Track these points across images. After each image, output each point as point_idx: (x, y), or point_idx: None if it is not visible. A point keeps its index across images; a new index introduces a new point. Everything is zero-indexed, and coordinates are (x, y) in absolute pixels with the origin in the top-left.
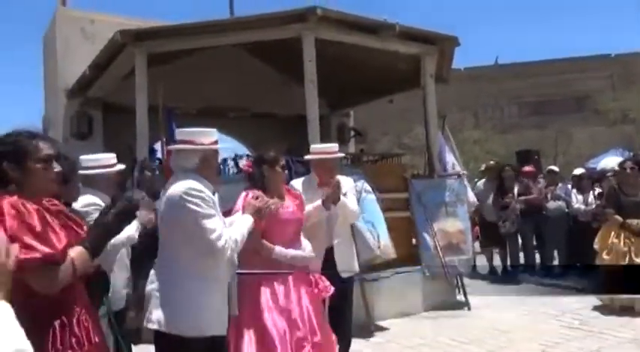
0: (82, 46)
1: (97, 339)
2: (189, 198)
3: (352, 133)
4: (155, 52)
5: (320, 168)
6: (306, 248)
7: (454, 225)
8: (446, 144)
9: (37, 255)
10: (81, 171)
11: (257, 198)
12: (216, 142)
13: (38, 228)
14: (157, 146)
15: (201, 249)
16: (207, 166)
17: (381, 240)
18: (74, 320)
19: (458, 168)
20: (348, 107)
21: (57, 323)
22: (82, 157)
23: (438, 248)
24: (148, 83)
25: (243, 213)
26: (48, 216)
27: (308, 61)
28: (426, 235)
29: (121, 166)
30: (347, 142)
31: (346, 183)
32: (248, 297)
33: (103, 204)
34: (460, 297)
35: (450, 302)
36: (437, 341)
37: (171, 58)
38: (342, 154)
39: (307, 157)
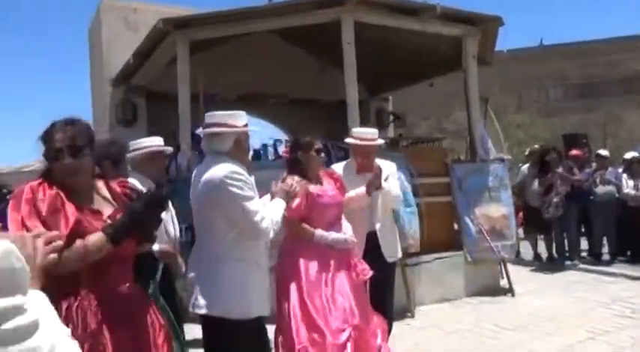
0: (125, 35)
1: (92, 326)
2: (231, 182)
3: (391, 118)
4: (196, 40)
5: (358, 153)
6: (347, 231)
7: (497, 210)
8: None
9: None
10: (127, 155)
11: (283, 180)
12: (247, 125)
13: (44, 213)
14: (200, 131)
15: (244, 232)
16: (240, 149)
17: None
18: (74, 305)
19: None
20: (386, 91)
21: (65, 304)
22: (131, 142)
23: (484, 231)
24: (189, 70)
25: (273, 197)
26: (65, 202)
27: (347, 43)
28: (468, 220)
29: (152, 146)
30: (386, 127)
31: (388, 167)
32: (290, 279)
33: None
34: (504, 283)
35: (492, 288)
36: (480, 326)
37: (212, 45)
38: (382, 141)
39: (347, 140)
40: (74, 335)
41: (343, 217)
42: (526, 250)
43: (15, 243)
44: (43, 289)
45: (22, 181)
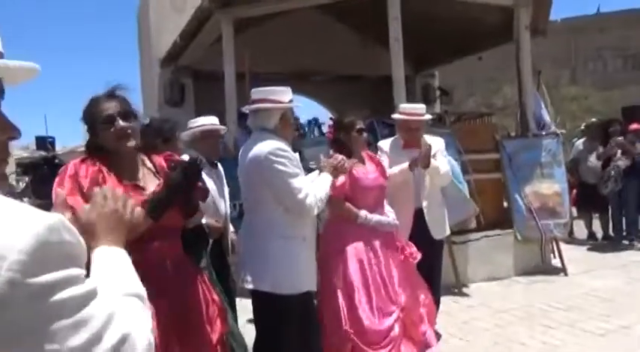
0: (172, 16)
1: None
2: (275, 158)
3: (438, 93)
4: (240, 18)
5: (405, 129)
6: (390, 214)
7: (550, 187)
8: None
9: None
10: (183, 133)
11: (331, 156)
12: (292, 101)
13: (86, 189)
14: (245, 108)
15: (289, 208)
16: (286, 124)
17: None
18: None
19: (553, 128)
20: (432, 67)
21: None
22: (189, 121)
23: (532, 210)
24: (235, 49)
25: (320, 172)
26: (106, 177)
27: (393, 18)
28: (518, 197)
29: (207, 125)
30: (432, 103)
31: (436, 143)
32: (335, 261)
33: None
34: (556, 262)
35: (543, 267)
36: (530, 306)
37: (257, 24)
38: (429, 116)
39: (394, 116)
40: None
41: (385, 202)
42: (580, 229)
43: (106, 194)
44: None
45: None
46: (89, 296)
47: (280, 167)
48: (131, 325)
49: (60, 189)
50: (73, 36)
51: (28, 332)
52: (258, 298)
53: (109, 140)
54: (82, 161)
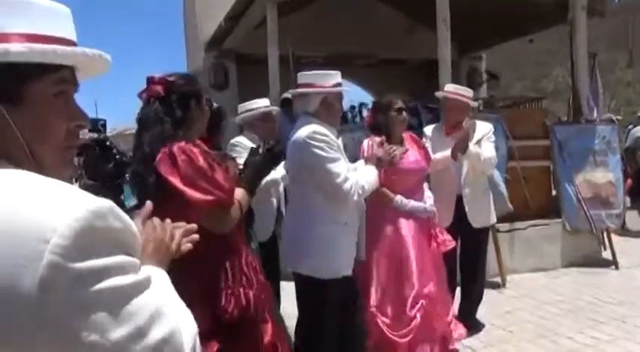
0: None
1: (262, 278)
2: (314, 143)
3: (485, 77)
4: (285, 1)
5: (449, 109)
6: (428, 200)
7: (604, 175)
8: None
9: (212, 198)
10: (239, 116)
11: (381, 144)
12: (339, 84)
13: (208, 172)
14: (288, 93)
15: (327, 193)
16: (329, 109)
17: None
18: (242, 260)
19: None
20: (478, 50)
21: (228, 262)
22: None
23: (581, 200)
24: (278, 32)
25: (366, 163)
26: (210, 159)
27: None
28: (568, 186)
29: (263, 107)
30: (478, 87)
31: (482, 128)
32: (369, 242)
33: (246, 144)
34: (606, 254)
35: (593, 259)
36: (578, 298)
37: (301, 6)
38: (475, 103)
39: (437, 94)
40: (251, 288)
41: (426, 186)
42: (633, 220)
43: (154, 228)
44: (211, 251)
45: (127, 144)
46: (138, 287)
47: (319, 151)
48: (179, 321)
49: (176, 179)
50: (117, 19)
51: (68, 320)
52: (299, 281)
53: (204, 120)
54: (186, 144)
